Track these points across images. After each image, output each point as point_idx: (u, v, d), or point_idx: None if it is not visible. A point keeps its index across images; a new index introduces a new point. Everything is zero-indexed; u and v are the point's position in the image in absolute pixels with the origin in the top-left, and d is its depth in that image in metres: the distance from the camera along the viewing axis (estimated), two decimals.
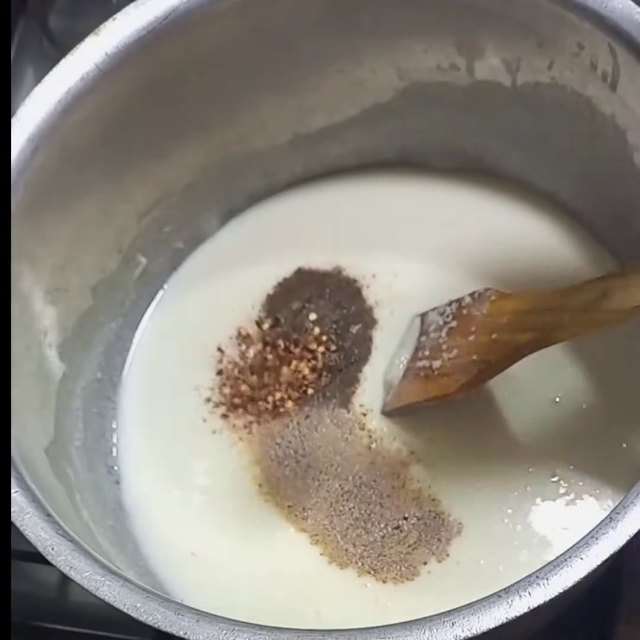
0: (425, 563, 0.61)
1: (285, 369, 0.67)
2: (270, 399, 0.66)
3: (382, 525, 0.62)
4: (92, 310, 0.66)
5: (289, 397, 0.66)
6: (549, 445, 0.63)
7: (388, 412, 0.65)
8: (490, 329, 0.59)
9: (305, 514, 0.63)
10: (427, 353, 0.63)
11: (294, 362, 0.67)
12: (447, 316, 0.63)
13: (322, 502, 0.63)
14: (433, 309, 0.65)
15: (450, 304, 0.64)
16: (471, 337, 0.60)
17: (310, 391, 0.66)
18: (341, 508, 0.63)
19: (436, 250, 0.69)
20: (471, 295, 0.62)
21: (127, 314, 0.70)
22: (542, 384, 0.64)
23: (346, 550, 0.62)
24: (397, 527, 0.62)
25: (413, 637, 0.43)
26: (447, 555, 0.61)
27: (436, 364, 0.62)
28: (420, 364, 0.63)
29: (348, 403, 0.66)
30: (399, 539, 0.61)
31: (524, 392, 0.64)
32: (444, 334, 0.63)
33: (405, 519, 0.62)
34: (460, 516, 0.62)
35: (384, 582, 0.61)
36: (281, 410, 0.66)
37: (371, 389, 0.66)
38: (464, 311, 0.62)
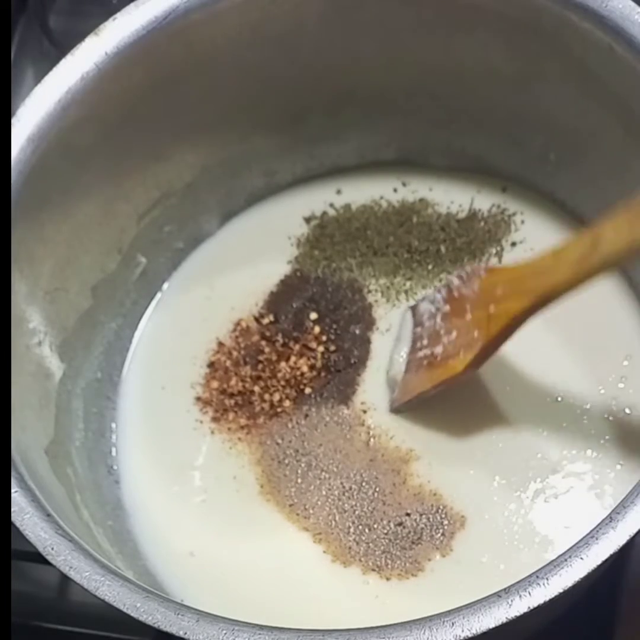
0: (429, 559, 0.61)
1: (283, 365, 0.67)
2: (267, 397, 0.66)
3: (384, 522, 0.62)
4: (92, 310, 0.66)
5: (287, 397, 0.66)
6: (550, 443, 0.63)
7: (397, 408, 0.65)
8: (485, 303, 0.58)
9: (307, 512, 0.63)
10: (425, 342, 0.63)
11: (293, 359, 0.67)
12: (439, 302, 0.63)
13: (324, 501, 0.63)
14: (423, 299, 0.65)
15: (439, 290, 0.63)
16: (468, 316, 0.60)
17: (308, 390, 0.66)
18: (343, 506, 0.63)
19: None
20: (459, 276, 0.62)
21: (127, 314, 0.70)
22: (543, 383, 0.64)
23: (349, 548, 0.62)
24: (400, 523, 0.62)
25: (413, 637, 0.43)
26: (451, 550, 0.61)
27: (437, 349, 0.61)
28: (421, 354, 0.63)
29: (347, 401, 0.66)
30: (402, 535, 0.61)
31: (524, 390, 0.64)
32: (439, 320, 0.62)
33: (408, 514, 0.62)
34: (462, 509, 0.62)
35: (387, 579, 0.61)
36: (279, 410, 0.66)
37: (370, 387, 0.66)
38: (455, 294, 0.61)
